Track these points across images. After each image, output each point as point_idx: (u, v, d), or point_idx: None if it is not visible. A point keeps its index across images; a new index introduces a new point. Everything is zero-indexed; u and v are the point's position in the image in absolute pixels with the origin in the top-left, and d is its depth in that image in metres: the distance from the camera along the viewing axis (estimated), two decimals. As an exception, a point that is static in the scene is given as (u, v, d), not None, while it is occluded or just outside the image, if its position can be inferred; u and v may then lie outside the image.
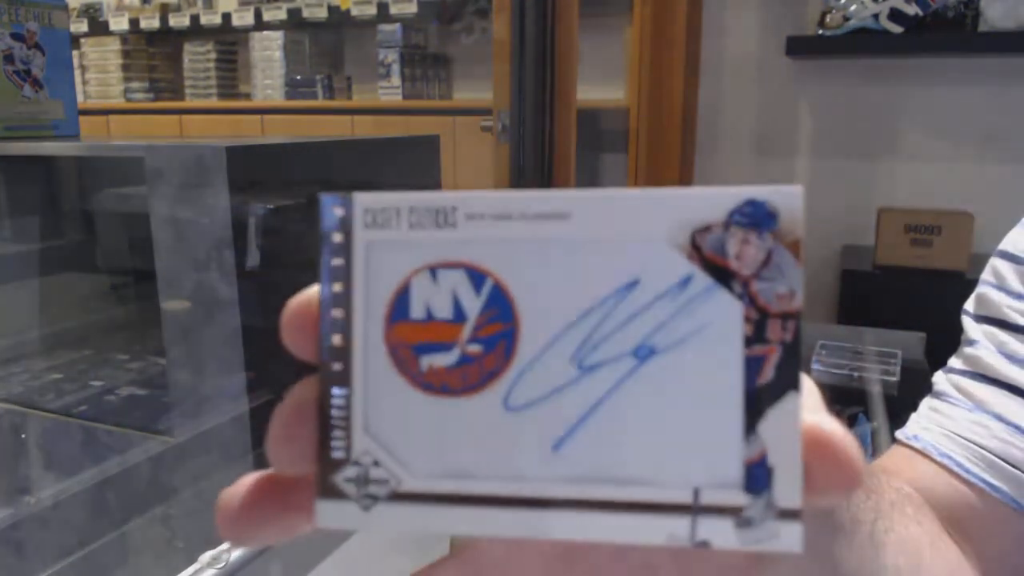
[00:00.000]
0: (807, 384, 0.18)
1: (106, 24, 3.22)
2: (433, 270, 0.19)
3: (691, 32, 2.06)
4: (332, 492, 0.18)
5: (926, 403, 0.48)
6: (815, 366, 1.14)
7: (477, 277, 0.19)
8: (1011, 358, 0.45)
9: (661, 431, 0.17)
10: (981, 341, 0.47)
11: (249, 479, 0.20)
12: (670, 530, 0.17)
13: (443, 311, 0.18)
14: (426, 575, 0.22)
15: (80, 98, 1.66)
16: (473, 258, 0.19)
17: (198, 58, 3.12)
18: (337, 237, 0.19)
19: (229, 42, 3.14)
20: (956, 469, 0.43)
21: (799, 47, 2.08)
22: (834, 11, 1.99)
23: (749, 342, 0.17)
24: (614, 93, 2.35)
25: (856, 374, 1.23)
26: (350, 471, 0.18)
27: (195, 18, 3.04)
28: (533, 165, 1.65)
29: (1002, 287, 0.47)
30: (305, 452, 0.19)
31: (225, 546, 0.58)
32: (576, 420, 0.18)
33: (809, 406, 0.18)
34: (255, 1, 2.93)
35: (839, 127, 2.18)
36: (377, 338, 0.19)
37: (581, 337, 0.18)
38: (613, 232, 0.18)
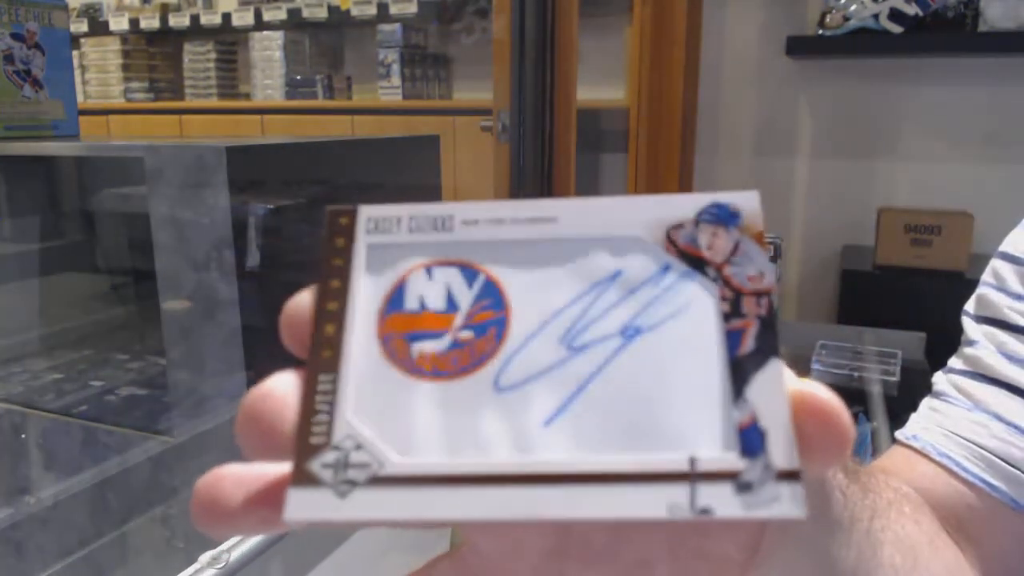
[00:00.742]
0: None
1: (106, 24, 3.22)
2: (429, 268, 0.20)
3: (691, 32, 2.06)
4: (307, 479, 0.17)
5: (926, 403, 0.48)
6: (815, 366, 1.14)
7: (470, 273, 0.20)
8: (1011, 358, 0.45)
9: (651, 402, 0.18)
10: (981, 341, 0.47)
11: (224, 469, 0.19)
12: (670, 500, 0.17)
13: (436, 302, 0.19)
14: (423, 574, 0.22)
15: (80, 98, 1.66)
16: (467, 255, 0.20)
17: (198, 58, 3.12)
18: (339, 241, 0.20)
19: (229, 42, 3.14)
20: (955, 468, 0.44)
21: (799, 47, 2.08)
22: (834, 11, 1.99)
23: (727, 317, 0.19)
24: (614, 93, 2.35)
25: (856, 374, 1.23)
26: (329, 456, 0.18)
27: (195, 18, 3.04)
28: (533, 165, 1.65)
29: (1002, 288, 0.47)
30: (277, 438, 0.18)
31: (225, 546, 0.58)
32: (567, 397, 0.18)
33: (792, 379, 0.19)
34: (255, 1, 2.93)
35: (839, 127, 2.18)
36: (370, 329, 0.19)
37: (570, 321, 0.19)
38: (596, 231, 0.20)
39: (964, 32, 1.92)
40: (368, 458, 0.18)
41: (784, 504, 0.17)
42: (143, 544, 0.71)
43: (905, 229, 1.90)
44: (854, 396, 1.17)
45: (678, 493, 0.17)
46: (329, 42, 3.04)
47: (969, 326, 0.49)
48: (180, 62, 3.18)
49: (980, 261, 1.86)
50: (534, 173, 1.66)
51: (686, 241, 0.20)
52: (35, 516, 0.70)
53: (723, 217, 0.20)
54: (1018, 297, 0.46)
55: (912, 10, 1.91)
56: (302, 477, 0.17)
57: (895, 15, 1.92)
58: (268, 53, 2.95)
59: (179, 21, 3.08)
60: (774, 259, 1.31)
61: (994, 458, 0.43)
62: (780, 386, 0.18)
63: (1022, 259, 0.47)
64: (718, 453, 0.17)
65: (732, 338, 0.18)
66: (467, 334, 0.19)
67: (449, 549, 0.23)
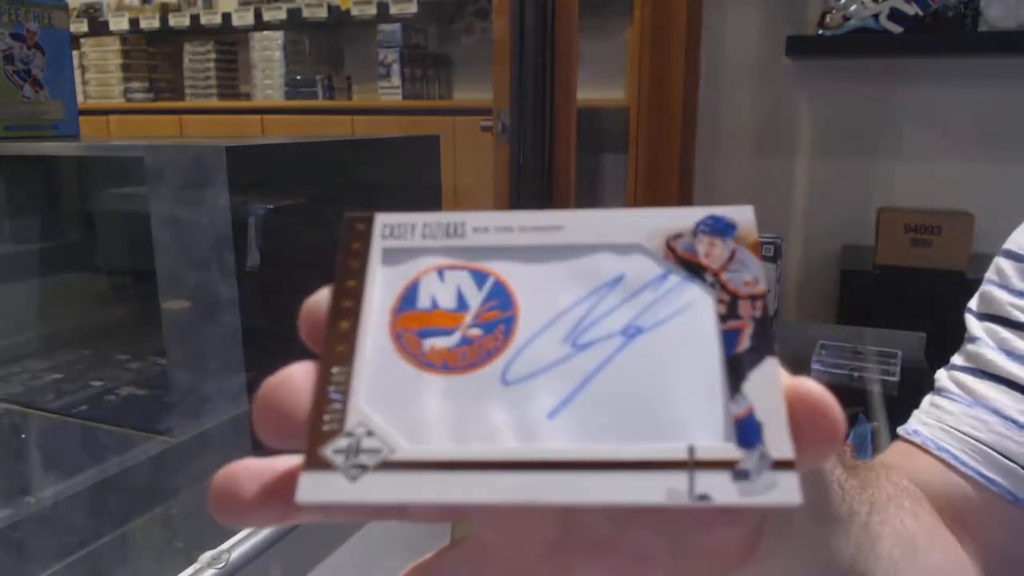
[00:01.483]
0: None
1: (106, 24, 3.22)
2: (441, 270, 0.21)
3: (691, 32, 2.06)
4: (319, 463, 0.18)
5: (928, 399, 0.49)
6: (815, 366, 1.14)
7: (480, 275, 0.21)
8: (1011, 354, 0.45)
9: (652, 396, 0.19)
10: (983, 338, 0.47)
11: (241, 463, 0.20)
12: (670, 486, 0.18)
13: (447, 302, 0.20)
14: (427, 565, 0.22)
15: (80, 98, 1.66)
16: (477, 259, 0.21)
17: (198, 58, 3.12)
18: (356, 245, 0.22)
19: (229, 42, 3.14)
20: (953, 462, 0.44)
21: (799, 47, 2.08)
22: (834, 11, 1.99)
23: (724, 319, 0.20)
24: (614, 93, 2.35)
25: (856, 374, 1.23)
26: (341, 442, 0.18)
27: (195, 18, 3.04)
28: (533, 165, 1.65)
29: (1005, 285, 0.48)
30: (291, 423, 0.19)
31: (225, 546, 0.58)
32: (571, 391, 0.19)
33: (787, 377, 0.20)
34: (255, 1, 2.93)
35: (839, 127, 2.18)
36: (383, 325, 0.20)
37: (574, 321, 0.20)
38: (600, 239, 0.21)
39: (964, 32, 1.92)
40: (379, 444, 0.18)
41: (780, 491, 0.17)
42: (143, 544, 0.71)
43: (905, 229, 1.90)
44: (854, 396, 1.17)
45: (677, 480, 0.18)
46: (329, 42, 3.04)
47: (971, 323, 0.49)
48: (180, 62, 3.18)
49: (980, 261, 1.86)
50: (534, 173, 1.66)
51: (685, 249, 0.21)
52: (35, 516, 0.70)
53: (720, 228, 0.21)
54: (1020, 294, 0.47)
55: (912, 10, 1.91)
56: (314, 462, 0.18)
57: (895, 15, 1.92)
58: (268, 53, 2.95)
59: (179, 21, 3.08)
60: (774, 259, 1.31)
61: (992, 452, 0.43)
62: (776, 382, 0.19)
63: None
64: (716, 443, 0.18)
65: (729, 337, 0.20)
66: (476, 331, 0.20)
67: (448, 542, 0.23)
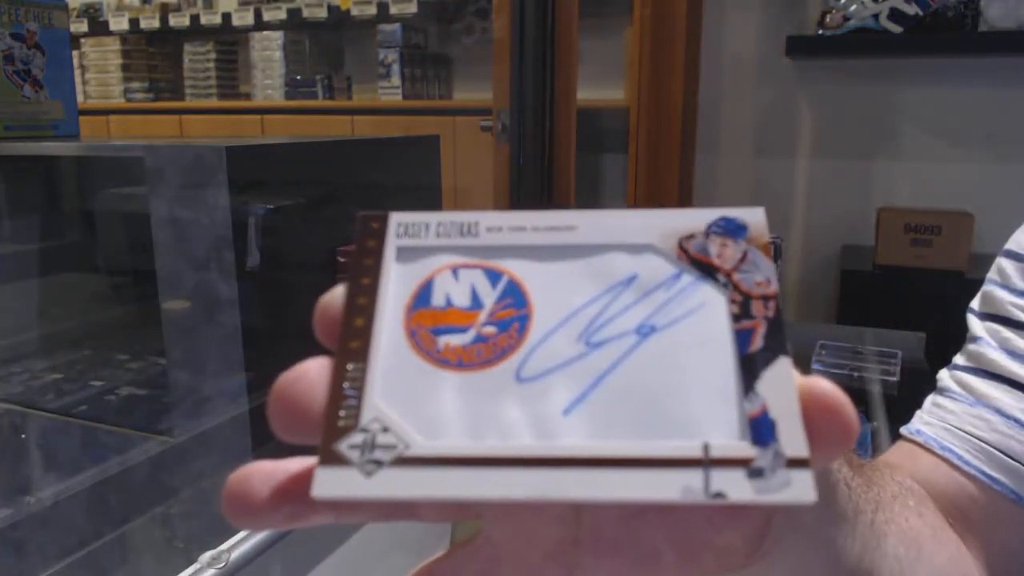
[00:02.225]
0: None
1: (106, 24, 3.22)
2: (455, 269, 0.21)
3: (691, 32, 2.06)
4: (334, 459, 0.18)
5: (930, 399, 0.49)
6: (815, 366, 1.14)
7: (494, 274, 0.21)
8: (1012, 354, 0.45)
9: (666, 394, 0.19)
10: (984, 338, 0.47)
11: (255, 465, 0.20)
12: (685, 483, 0.18)
13: (461, 300, 0.21)
14: (437, 565, 0.22)
15: (80, 98, 1.66)
16: (491, 258, 0.21)
17: (198, 58, 3.12)
18: (371, 243, 0.22)
19: (229, 42, 3.14)
20: (956, 462, 0.44)
21: (799, 47, 2.07)
22: (834, 11, 1.99)
23: (737, 318, 0.20)
24: (614, 93, 2.35)
25: (856, 374, 1.23)
26: (356, 437, 0.18)
27: (195, 18, 3.04)
28: (533, 165, 1.65)
29: (1006, 285, 0.48)
30: (306, 418, 0.19)
31: (225, 546, 0.58)
32: (586, 388, 0.19)
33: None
34: (255, 1, 2.93)
35: (839, 127, 2.18)
36: (398, 322, 0.20)
37: (588, 319, 0.20)
38: (613, 239, 0.21)
39: (964, 32, 1.92)
40: (394, 440, 0.18)
41: (795, 489, 0.17)
42: (143, 544, 0.71)
43: (905, 229, 1.90)
44: (854, 396, 1.17)
45: (692, 478, 0.18)
46: (329, 42, 3.04)
47: (973, 323, 0.49)
48: (180, 62, 3.18)
49: (980, 261, 1.86)
50: (534, 173, 1.66)
51: (697, 250, 0.21)
52: (35, 516, 0.70)
53: (731, 229, 0.21)
54: (1021, 294, 0.47)
55: (912, 10, 1.91)
56: (329, 457, 0.18)
57: (895, 15, 1.92)
58: (268, 53, 2.95)
59: (179, 21, 3.08)
60: (774, 259, 1.30)
61: (995, 451, 0.43)
62: (789, 381, 0.19)
63: None
64: (731, 441, 0.18)
65: (742, 337, 0.20)
66: (490, 329, 0.20)
67: (448, 543, 0.23)
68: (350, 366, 0.19)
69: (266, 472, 0.20)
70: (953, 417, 0.46)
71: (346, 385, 0.19)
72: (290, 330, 0.80)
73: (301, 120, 2.80)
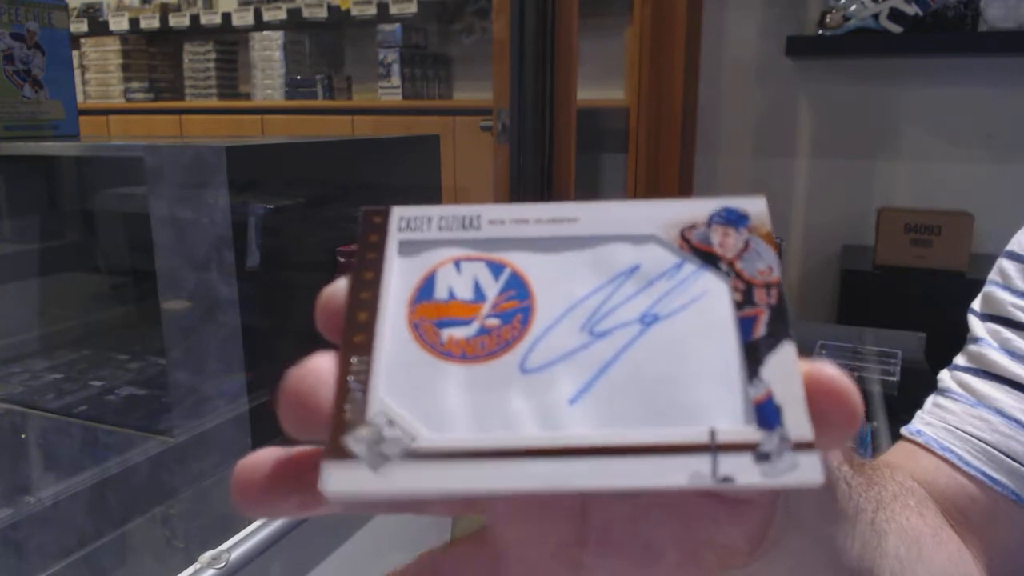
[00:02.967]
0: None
1: (106, 24, 3.22)
2: (457, 262, 0.21)
3: (691, 32, 2.06)
4: (341, 453, 0.18)
5: (931, 400, 0.49)
6: (815, 366, 1.14)
7: (496, 266, 0.21)
8: (1013, 355, 0.45)
9: (671, 382, 0.19)
10: (985, 339, 0.47)
11: (265, 452, 0.20)
12: (693, 468, 0.18)
13: (464, 292, 0.21)
14: (438, 555, 0.22)
15: (80, 98, 1.66)
16: (493, 251, 0.21)
17: (198, 58, 3.12)
18: (373, 237, 0.22)
19: (229, 42, 3.14)
20: (957, 462, 0.44)
21: (799, 47, 2.08)
22: (834, 11, 1.99)
23: (740, 306, 0.20)
24: (614, 93, 2.35)
25: (856, 374, 1.23)
26: (362, 431, 0.18)
27: (195, 18, 3.04)
28: (533, 165, 1.65)
29: (1007, 286, 0.48)
30: (315, 414, 0.19)
31: (225, 546, 0.58)
32: (591, 377, 0.19)
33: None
34: (255, 1, 2.93)
35: (839, 127, 2.18)
36: (401, 316, 0.20)
37: (591, 310, 0.20)
38: (615, 230, 0.21)
39: (964, 32, 1.92)
40: (400, 433, 0.18)
41: (801, 472, 0.18)
42: (143, 544, 0.71)
43: (905, 229, 1.90)
44: (854, 396, 1.17)
45: (700, 463, 0.18)
46: (329, 42, 3.04)
47: (974, 324, 0.49)
48: (180, 62, 3.18)
49: (980, 261, 1.86)
50: (534, 173, 1.66)
51: (700, 239, 0.21)
52: (35, 516, 0.70)
53: (733, 219, 0.21)
54: (1022, 295, 0.47)
55: (912, 10, 1.91)
56: (337, 451, 0.18)
57: (895, 15, 1.92)
58: (268, 53, 2.95)
59: (179, 21, 3.08)
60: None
61: (995, 452, 0.43)
62: (793, 366, 0.19)
63: None
64: (737, 426, 0.18)
65: (745, 324, 0.20)
66: (494, 321, 0.20)
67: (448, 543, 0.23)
68: (354, 359, 0.19)
69: (275, 459, 0.20)
70: (954, 418, 0.46)
71: (351, 379, 0.19)
72: (290, 330, 0.80)
73: (301, 120, 2.80)
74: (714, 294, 0.20)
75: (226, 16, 2.97)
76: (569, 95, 1.65)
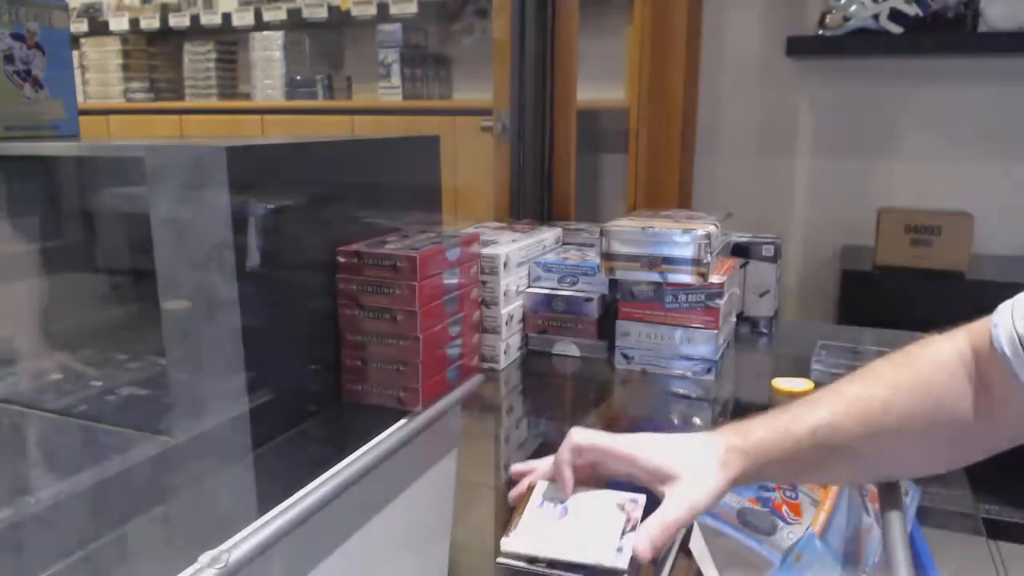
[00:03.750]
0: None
1: (106, 24, 3.22)
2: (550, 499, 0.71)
3: (691, 32, 2.06)
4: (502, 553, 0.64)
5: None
6: (815, 366, 1.14)
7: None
8: None
9: (588, 537, 0.64)
10: None
11: (523, 467, 0.74)
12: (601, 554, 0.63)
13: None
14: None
15: (80, 98, 1.66)
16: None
17: (198, 58, 3.12)
18: (528, 494, 0.72)
19: (229, 42, 3.14)
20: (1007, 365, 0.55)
21: (799, 47, 2.08)
22: (834, 11, 1.99)
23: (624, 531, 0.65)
24: (614, 93, 2.35)
25: (856, 374, 1.22)
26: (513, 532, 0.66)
27: (195, 18, 3.04)
28: (533, 165, 1.65)
29: None
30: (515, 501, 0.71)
31: (225, 546, 0.58)
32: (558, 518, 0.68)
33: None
34: (255, 1, 2.93)
35: (839, 127, 2.18)
36: (536, 503, 0.69)
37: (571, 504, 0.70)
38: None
39: (964, 32, 1.92)
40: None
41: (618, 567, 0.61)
42: (143, 544, 0.71)
43: (905, 229, 1.91)
44: (854, 396, 1.17)
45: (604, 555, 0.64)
46: (329, 42, 3.04)
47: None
48: (180, 62, 3.19)
49: (980, 261, 1.86)
50: (534, 173, 1.66)
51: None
52: (35, 516, 0.70)
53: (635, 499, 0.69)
54: None
55: (912, 10, 1.91)
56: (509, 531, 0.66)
57: (895, 15, 1.92)
58: (268, 53, 2.95)
59: (179, 21, 3.08)
60: (774, 259, 1.31)
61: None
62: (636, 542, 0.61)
63: None
64: (611, 559, 0.62)
65: (624, 527, 0.65)
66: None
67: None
68: (516, 512, 0.68)
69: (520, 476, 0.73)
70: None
71: (515, 513, 0.68)
72: (290, 330, 0.80)
73: (301, 120, 2.80)
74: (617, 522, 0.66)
75: (226, 16, 2.98)
76: (569, 95, 1.65)
